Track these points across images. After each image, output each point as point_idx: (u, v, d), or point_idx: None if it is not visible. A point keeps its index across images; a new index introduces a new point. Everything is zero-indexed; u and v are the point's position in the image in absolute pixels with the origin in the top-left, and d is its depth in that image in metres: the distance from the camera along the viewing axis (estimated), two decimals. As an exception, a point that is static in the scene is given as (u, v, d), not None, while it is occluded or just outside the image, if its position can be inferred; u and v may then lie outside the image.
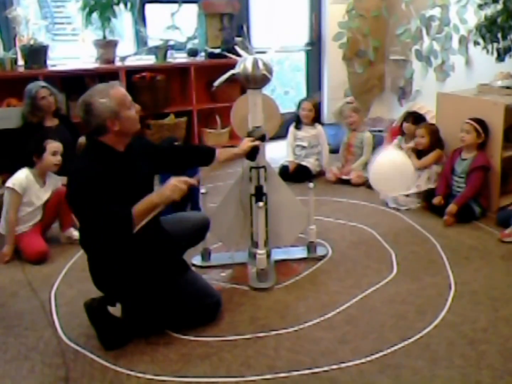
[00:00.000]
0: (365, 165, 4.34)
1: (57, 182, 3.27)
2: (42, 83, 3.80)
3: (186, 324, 2.35)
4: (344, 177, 4.31)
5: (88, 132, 2.24)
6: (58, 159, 3.18)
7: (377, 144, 4.62)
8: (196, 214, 2.88)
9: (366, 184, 4.06)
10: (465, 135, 3.53)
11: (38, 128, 3.68)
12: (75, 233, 3.25)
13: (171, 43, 4.77)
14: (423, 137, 3.79)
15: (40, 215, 3.19)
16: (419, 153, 3.84)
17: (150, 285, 2.24)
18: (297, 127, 4.51)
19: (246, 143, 2.59)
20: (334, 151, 4.62)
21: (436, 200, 3.56)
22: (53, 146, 3.17)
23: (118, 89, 2.20)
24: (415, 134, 3.88)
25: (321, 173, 4.44)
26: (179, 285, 2.30)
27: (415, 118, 4.14)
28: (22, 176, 3.11)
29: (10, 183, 3.08)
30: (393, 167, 2.51)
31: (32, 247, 3.04)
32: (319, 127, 4.51)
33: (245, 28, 2.89)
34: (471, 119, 3.52)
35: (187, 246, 2.67)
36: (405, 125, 4.15)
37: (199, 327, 2.34)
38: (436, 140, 3.80)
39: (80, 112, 2.18)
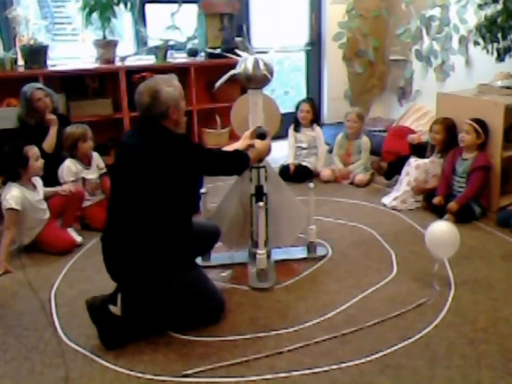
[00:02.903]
0: (365, 167, 4.35)
1: (39, 181, 3.25)
2: (37, 85, 3.78)
3: (188, 325, 2.35)
4: (345, 181, 4.30)
5: (144, 117, 2.31)
6: (41, 162, 3.15)
7: (376, 144, 4.63)
8: (207, 223, 2.87)
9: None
10: (464, 136, 3.53)
11: (37, 130, 3.66)
12: (72, 234, 3.26)
13: (171, 43, 4.77)
14: (438, 133, 3.74)
15: (48, 212, 3.20)
16: (432, 148, 3.82)
17: (163, 277, 2.25)
18: (296, 129, 4.51)
19: (245, 141, 2.61)
20: (333, 151, 4.59)
21: (437, 200, 3.56)
22: (34, 151, 3.11)
23: (177, 81, 2.38)
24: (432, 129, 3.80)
25: (315, 174, 4.40)
26: (187, 283, 2.30)
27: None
28: (15, 193, 3.03)
29: (7, 203, 3.00)
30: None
31: (61, 239, 3.13)
32: (317, 128, 4.50)
33: (245, 28, 2.90)
34: (471, 119, 3.52)
35: (196, 254, 2.68)
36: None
37: (199, 328, 2.34)
38: (451, 137, 3.72)
39: (144, 97, 2.26)
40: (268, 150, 2.67)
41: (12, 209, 3.00)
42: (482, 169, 3.49)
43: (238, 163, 2.51)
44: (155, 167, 2.21)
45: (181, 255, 2.30)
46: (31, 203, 3.09)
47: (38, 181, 3.23)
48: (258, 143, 2.63)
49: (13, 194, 3.02)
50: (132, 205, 2.25)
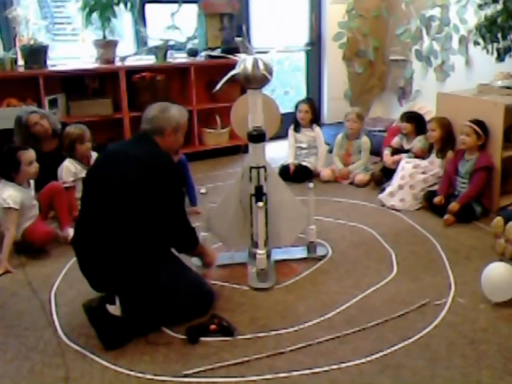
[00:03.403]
0: (365, 167, 4.36)
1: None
2: (31, 108, 3.66)
3: (182, 315, 2.36)
4: (345, 181, 4.31)
5: (144, 129, 2.43)
6: (35, 166, 3.12)
7: (377, 144, 4.63)
8: None
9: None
10: (465, 138, 3.52)
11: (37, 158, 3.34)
12: (71, 233, 3.25)
13: (171, 43, 4.77)
14: (434, 130, 3.76)
15: (37, 209, 3.21)
16: (430, 146, 3.85)
17: (147, 275, 2.27)
18: (296, 129, 4.51)
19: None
20: (333, 151, 4.58)
21: (437, 199, 3.56)
22: (27, 156, 3.08)
23: (186, 118, 2.56)
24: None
25: (315, 174, 4.40)
26: (173, 274, 2.34)
27: (409, 117, 4.20)
28: (11, 192, 3.03)
29: (4, 203, 2.99)
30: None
31: (38, 231, 3.09)
32: (317, 128, 4.50)
33: (244, 28, 2.90)
34: (470, 121, 3.52)
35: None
36: (401, 125, 4.23)
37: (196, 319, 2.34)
38: (447, 134, 3.75)
39: (152, 110, 2.44)
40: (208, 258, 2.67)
41: (10, 208, 3.00)
42: (484, 169, 3.49)
43: (188, 233, 2.46)
44: (147, 178, 2.26)
45: (162, 251, 2.37)
46: (28, 200, 3.11)
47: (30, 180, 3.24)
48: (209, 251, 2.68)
49: (11, 194, 3.02)
50: (114, 212, 2.26)
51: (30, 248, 3.13)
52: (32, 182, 3.23)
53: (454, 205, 3.44)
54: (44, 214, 3.29)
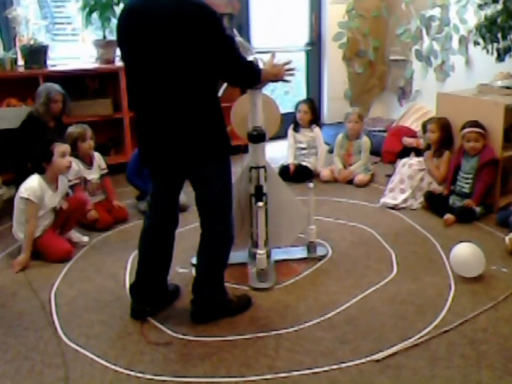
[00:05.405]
0: (365, 167, 4.35)
1: (66, 184, 3.25)
2: (59, 88, 3.80)
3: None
4: (343, 182, 4.30)
5: None
6: (68, 160, 3.14)
7: (377, 144, 4.63)
8: None
9: None
10: (475, 144, 3.51)
11: (42, 128, 3.67)
12: (74, 236, 3.26)
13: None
14: (434, 132, 3.76)
15: (51, 219, 3.12)
16: (428, 147, 3.85)
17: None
18: (295, 130, 4.51)
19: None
20: (333, 151, 4.59)
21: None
22: (61, 148, 3.09)
23: None
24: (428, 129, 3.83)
25: (315, 174, 4.40)
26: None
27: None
28: (35, 185, 3.02)
29: (25, 193, 2.98)
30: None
31: (57, 247, 3.03)
32: (316, 129, 4.49)
33: (235, 30, 2.91)
34: (472, 126, 3.50)
35: None
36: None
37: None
38: (447, 135, 3.76)
39: None
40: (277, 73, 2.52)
41: (27, 199, 2.98)
42: (491, 164, 3.48)
43: (250, 68, 2.40)
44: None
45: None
46: (45, 202, 3.06)
47: (63, 181, 3.21)
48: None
49: (32, 186, 3.02)
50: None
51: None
52: (62, 186, 3.18)
53: (470, 202, 3.45)
54: (58, 225, 3.18)
